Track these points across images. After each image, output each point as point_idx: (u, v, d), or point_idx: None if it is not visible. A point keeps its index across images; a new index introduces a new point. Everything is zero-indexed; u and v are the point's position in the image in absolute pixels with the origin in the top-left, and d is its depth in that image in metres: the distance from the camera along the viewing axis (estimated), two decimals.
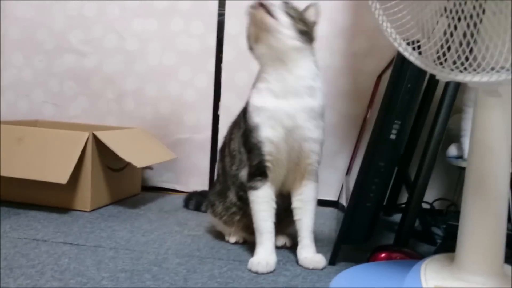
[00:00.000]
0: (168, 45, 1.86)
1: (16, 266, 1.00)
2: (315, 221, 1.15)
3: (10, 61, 1.95)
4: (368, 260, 1.09)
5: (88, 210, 1.48)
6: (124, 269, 1.02)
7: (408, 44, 0.81)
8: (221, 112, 1.85)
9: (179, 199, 1.73)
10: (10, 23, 1.95)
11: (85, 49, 1.90)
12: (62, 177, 1.38)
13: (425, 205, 1.37)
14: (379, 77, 1.67)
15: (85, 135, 1.45)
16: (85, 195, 1.48)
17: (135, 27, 1.87)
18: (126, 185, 1.71)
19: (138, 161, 1.54)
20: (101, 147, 1.50)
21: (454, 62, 0.74)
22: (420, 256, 1.04)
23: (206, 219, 1.48)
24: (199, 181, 1.87)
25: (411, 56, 0.81)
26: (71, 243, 1.17)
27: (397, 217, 1.52)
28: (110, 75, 1.89)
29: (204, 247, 1.20)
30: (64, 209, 1.48)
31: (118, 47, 1.88)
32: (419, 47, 0.79)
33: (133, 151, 1.58)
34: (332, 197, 1.78)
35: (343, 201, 1.37)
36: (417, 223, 1.30)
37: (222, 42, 1.82)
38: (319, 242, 1.29)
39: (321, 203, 1.78)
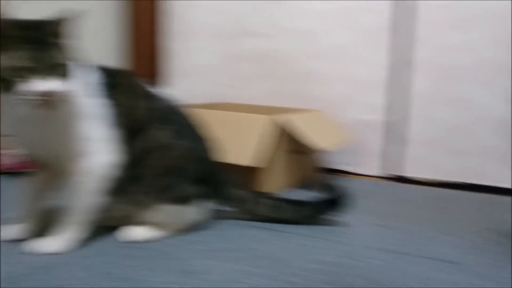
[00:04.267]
0: (344, 23, 1.82)
1: (225, 249, 1.07)
2: None
3: (194, 45, 2.08)
4: None
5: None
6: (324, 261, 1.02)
7: None
8: (396, 92, 1.77)
9: (353, 183, 1.69)
10: (193, 8, 2.07)
11: (265, 31, 1.94)
12: (244, 159, 1.43)
13: None
14: None
15: (266, 118, 1.49)
16: (271, 178, 1.52)
17: (312, 6, 1.87)
18: (308, 169, 1.73)
19: (320, 145, 1.54)
20: (281, 130, 1.53)
21: None
22: None
23: (403, 208, 1.42)
24: (372, 164, 1.83)
25: None
26: (269, 229, 1.21)
27: None
28: (288, 56, 1.91)
29: (410, 243, 1.15)
30: None
31: (296, 28, 1.89)
32: None
33: (313, 134, 1.58)
34: None
35: None
36: None
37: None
38: None
39: None
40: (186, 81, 2.10)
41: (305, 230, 1.20)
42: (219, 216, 1.24)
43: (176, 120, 1.13)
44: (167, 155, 1.08)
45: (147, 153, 1.06)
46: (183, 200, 1.10)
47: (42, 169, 1.07)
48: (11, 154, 1.62)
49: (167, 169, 1.08)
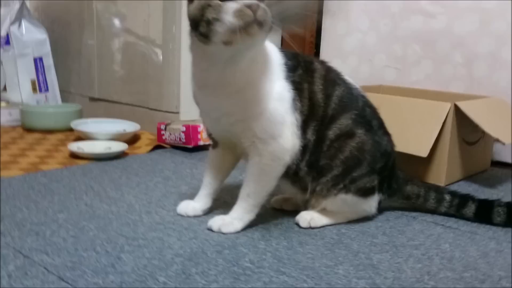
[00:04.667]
0: None
1: (399, 244, 0.99)
2: None
3: (356, 26, 1.98)
4: None
5: (442, 185, 1.39)
6: None
7: None
8: None
9: None
10: None
11: (434, 9, 1.77)
12: (422, 150, 1.32)
13: None
14: None
15: (447, 106, 1.35)
16: (440, 169, 1.39)
17: None
18: (477, 160, 1.56)
19: (504, 136, 1.36)
20: (459, 118, 1.38)
21: None
22: None
23: None
24: None
25: None
26: (442, 224, 1.11)
27: None
28: (461, 37, 1.73)
29: None
30: None
31: (473, 6, 1.70)
32: None
33: (494, 124, 1.41)
34: None
35: None
36: None
37: None
38: None
39: None
40: (345, 61, 2.01)
41: (498, 233, 1.07)
42: (388, 206, 1.16)
43: (358, 107, 1.05)
44: (350, 144, 1.01)
45: (328, 140, 1.01)
46: (362, 191, 1.03)
47: (220, 147, 1.07)
48: (176, 130, 1.69)
49: (349, 159, 1.01)
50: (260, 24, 0.83)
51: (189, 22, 0.90)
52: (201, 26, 0.86)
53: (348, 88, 1.06)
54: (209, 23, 0.84)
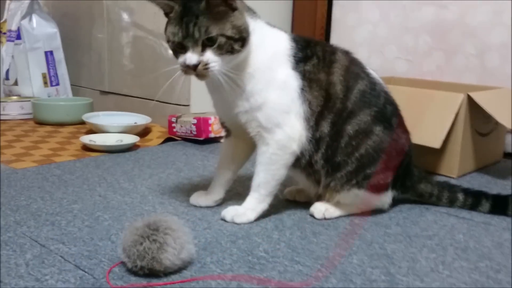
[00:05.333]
0: None
1: (413, 234, 0.98)
2: None
3: (367, 18, 1.97)
4: None
5: (454, 176, 1.39)
6: None
7: None
8: None
9: None
10: None
11: (446, 0, 1.76)
12: (435, 141, 1.31)
13: None
14: None
15: (460, 97, 1.34)
16: (453, 161, 1.38)
17: None
18: (490, 151, 1.55)
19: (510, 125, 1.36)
20: (471, 109, 1.37)
21: None
22: None
23: None
24: None
25: None
26: (455, 215, 1.10)
27: None
28: (473, 28, 1.71)
29: None
30: (430, 173, 1.42)
31: None
32: None
33: (507, 115, 1.40)
34: None
35: None
36: None
37: None
38: None
39: None
40: (355, 53, 1.99)
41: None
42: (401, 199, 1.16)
43: (379, 103, 1.02)
44: (367, 142, 0.99)
45: (347, 137, 0.99)
46: (375, 188, 1.02)
47: (233, 136, 1.07)
48: (185, 124, 1.69)
49: (364, 157, 0.99)
50: (202, 75, 0.89)
51: None
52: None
53: (372, 83, 1.02)
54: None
